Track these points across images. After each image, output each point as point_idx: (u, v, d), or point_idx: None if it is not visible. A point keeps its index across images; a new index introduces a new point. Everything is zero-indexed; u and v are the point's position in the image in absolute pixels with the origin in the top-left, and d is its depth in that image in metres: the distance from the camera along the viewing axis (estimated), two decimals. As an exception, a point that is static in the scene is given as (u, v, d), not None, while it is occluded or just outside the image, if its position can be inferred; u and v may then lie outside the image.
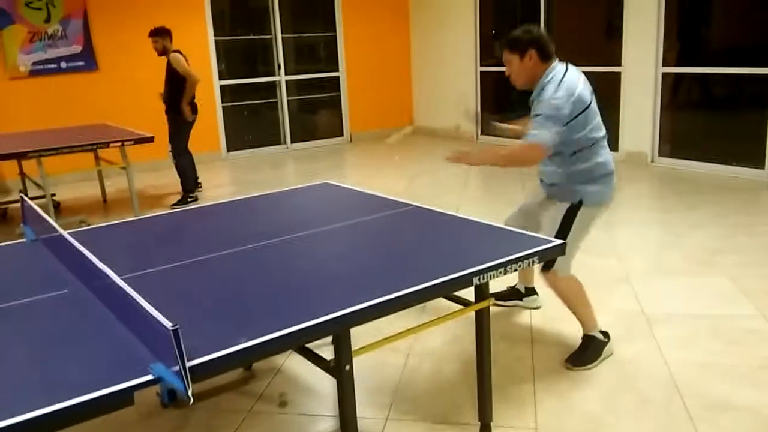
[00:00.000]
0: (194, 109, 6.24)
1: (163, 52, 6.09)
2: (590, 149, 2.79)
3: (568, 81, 2.70)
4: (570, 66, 2.80)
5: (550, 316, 3.39)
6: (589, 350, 2.92)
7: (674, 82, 6.87)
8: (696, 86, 6.98)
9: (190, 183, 6.32)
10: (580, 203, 2.83)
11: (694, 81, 6.89)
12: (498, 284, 3.39)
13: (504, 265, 2.08)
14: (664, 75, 6.77)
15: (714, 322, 3.24)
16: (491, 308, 2.33)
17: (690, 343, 3.05)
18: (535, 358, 2.98)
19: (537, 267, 2.64)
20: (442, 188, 6.42)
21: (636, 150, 7.04)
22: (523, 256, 2.14)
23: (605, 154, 2.86)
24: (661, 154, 6.95)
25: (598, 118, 2.82)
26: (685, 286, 3.72)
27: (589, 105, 2.74)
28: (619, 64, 7.04)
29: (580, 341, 2.97)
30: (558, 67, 2.78)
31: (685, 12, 6.73)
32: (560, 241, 2.29)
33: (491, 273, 2.05)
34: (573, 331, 3.04)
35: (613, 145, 7.18)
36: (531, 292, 3.51)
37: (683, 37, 6.80)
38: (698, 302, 3.50)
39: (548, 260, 2.77)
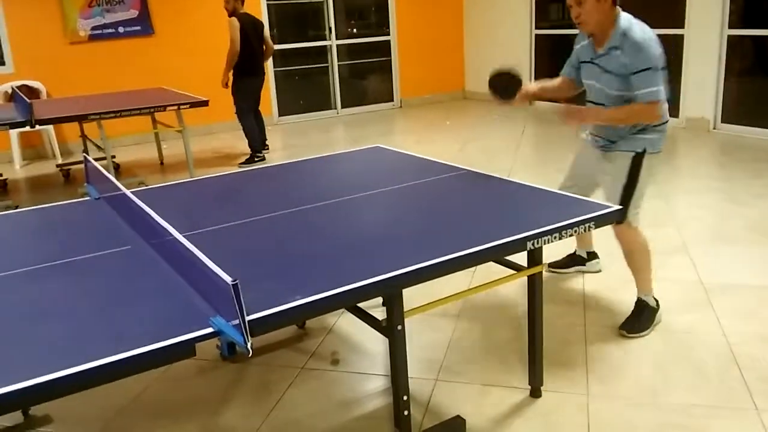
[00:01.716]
0: (258, 72, 6.37)
1: (232, 12, 6.23)
2: None
3: (646, 29, 2.63)
4: (627, 15, 2.70)
5: (603, 282, 3.34)
6: (643, 317, 2.88)
7: (738, 45, 6.55)
8: (761, 50, 6.65)
9: (255, 143, 6.47)
10: (644, 151, 2.76)
11: (759, 44, 6.56)
12: (553, 249, 3.36)
13: (559, 230, 2.05)
14: (730, 37, 6.46)
15: (776, 294, 3.14)
16: (545, 272, 2.31)
17: (750, 315, 2.97)
18: (587, 324, 2.95)
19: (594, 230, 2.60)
20: (494, 154, 6.34)
21: (698, 116, 6.79)
22: (579, 221, 2.10)
23: (666, 103, 2.76)
24: (723, 120, 6.68)
25: None
26: (746, 257, 3.60)
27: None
28: (682, 26, 6.75)
29: (634, 306, 2.92)
30: (624, 14, 2.67)
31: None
32: (617, 207, 2.24)
33: (546, 238, 2.03)
34: (626, 299, 2.99)
35: (674, 111, 6.94)
36: (593, 256, 3.48)
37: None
38: (759, 273, 3.38)
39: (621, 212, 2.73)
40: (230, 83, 6.36)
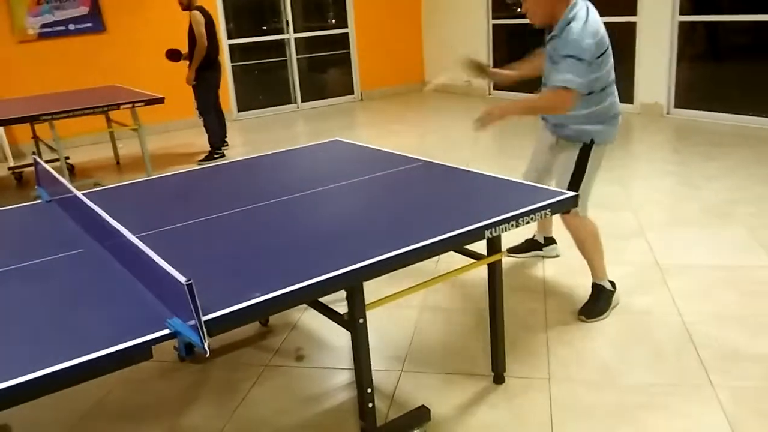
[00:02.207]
0: (216, 68, 6.29)
1: (187, 6, 6.11)
2: (604, 91, 2.75)
3: (591, 20, 2.61)
4: (589, 4, 2.70)
5: (562, 268, 3.40)
6: (601, 301, 2.93)
7: (689, 31, 6.70)
8: (711, 35, 6.81)
9: (216, 140, 6.39)
10: (591, 143, 2.81)
11: (710, 29, 6.72)
12: (512, 236, 3.40)
13: (516, 217, 2.08)
14: (681, 24, 6.60)
15: (730, 273, 3.23)
16: (506, 260, 2.34)
17: (705, 295, 3.05)
18: (547, 310, 3.00)
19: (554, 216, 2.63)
20: (453, 145, 6.38)
21: (651, 102, 6.93)
22: (535, 209, 2.13)
23: (615, 96, 2.83)
24: (676, 105, 6.83)
25: (612, 60, 2.76)
26: (700, 238, 3.70)
27: (608, 46, 2.68)
28: (635, 14, 6.87)
29: (591, 292, 2.98)
30: (579, 3, 2.65)
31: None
32: (572, 193, 2.27)
33: (503, 226, 2.05)
34: (585, 283, 3.04)
35: (628, 97, 7.07)
36: (550, 241, 3.54)
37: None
38: (714, 254, 3.48)
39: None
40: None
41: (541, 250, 3.53)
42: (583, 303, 2.96)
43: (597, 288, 2.96)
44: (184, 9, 6.12)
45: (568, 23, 2.61)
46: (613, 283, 2.98)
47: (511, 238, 3.40)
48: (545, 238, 3.53)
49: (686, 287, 3.12)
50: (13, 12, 6.94)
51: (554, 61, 2.66)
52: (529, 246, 3.56)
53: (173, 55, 6.37)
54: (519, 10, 2.78)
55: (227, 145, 6.76)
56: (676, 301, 3.00)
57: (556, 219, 2.85)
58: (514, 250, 3.55)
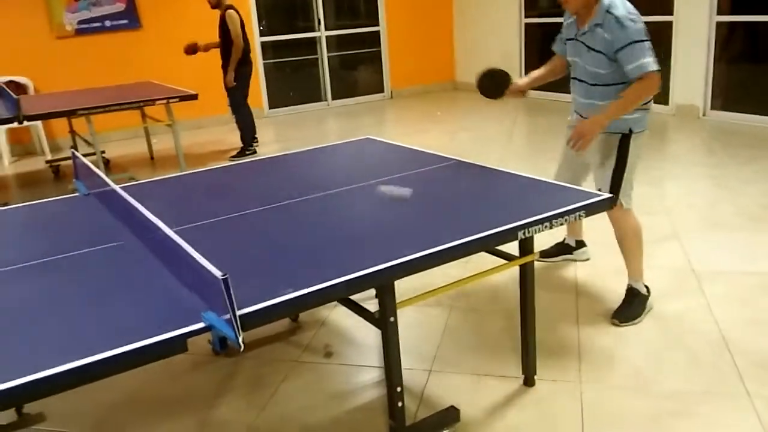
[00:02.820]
0: (249, 63, 6.36)
1: (216, 5, 6.15)
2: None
3: (629, 5, 2.65)
4: None
5: (594, 270, 3.36)
6: (635, 305, 2.89)
7: (727, 32, 6.57)
8: (749, 35, 6.66)
9: (248, 136, 6.45)
10: (630, 132, 2.77)
11: (748, 30, 6.57)
12: (544, 238, 3.37)
13: (549, 219, 2.06)
14: (718, 24, 6.47)
15: (766, 279, 3.16)
16: (537, 262, 2.32)
17: (741, 301, 2.99)
18: (579, 313, 2.96)
19: (584, 219, 2.61)
20: (485, 144, 6.34)
21: (687, 103, 6.80)
22: (569, 210, 2.11)
23: None
24: (713, 107, 6.70)
25: None
26: (737, 243, 3.62)
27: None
28: (671, 13, 6.75)
29: (625, 295, 2.93)
30: None
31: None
32: (607, 195, 2.25)
33: (536, 227, 2.03)
34: (617, 287, 3.00)
35: (663, 98, 6.95)
36: (581, 244, 3.49)
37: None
38: (750, 259, 3.40)
39: (613, 193, 2.74)
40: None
41: (572, 254, 3.49)
42: (615, 306, 2.92)
43: (632, 291, 2.92)
44: (213, 7, 6.19)
45: (607, 10, 2.61)
46: (647, 288, 2.94)
47: (542, 240, 3.36)
48: (576, 242, 3.49)
49: (722, 293, 3.06)
50: (51, 8, 7.09)
51: (600, 50, 2.65)
52: (560, 250, 3.52)
53: (189, 49, 6.46)
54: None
55: (257, 142, 6.81)
56: (712, 306, 2.95)
57: (587, 221, 2.81)
58: (544, 254, 3.50)
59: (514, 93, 3.00)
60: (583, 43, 2.75)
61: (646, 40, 2.60)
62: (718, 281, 3.18)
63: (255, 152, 6.47)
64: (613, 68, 2.67)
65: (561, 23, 2.97)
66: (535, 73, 3.10)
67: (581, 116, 2.92)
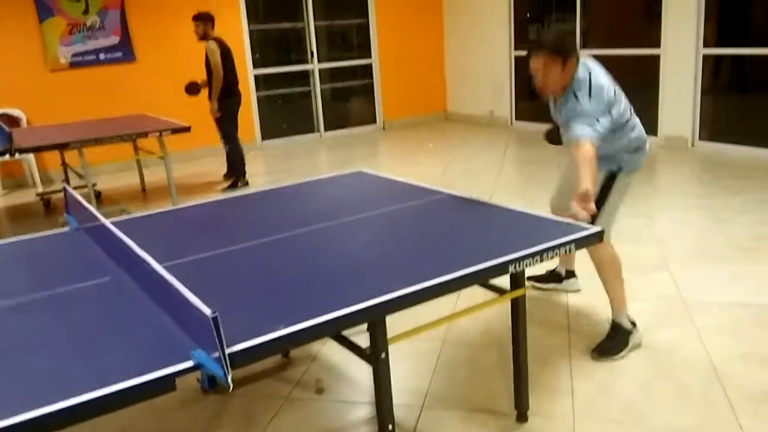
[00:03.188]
0: (236, 95, 6.36)
1: (203, 37, 6.21)
2: (623, 129, 2.79)
3: (601, 77, 2.66)
4: (583, 60, 2.73)
5: (587, 303, 3.35)
6: (616, 339, 2.88)
7: (714, 64, 6.68)
8: (737, 68, 6.78)
9: (240, 168, 6.44)
10: (618, 169, 2.84)
11: (735, 62, 6.69)
12: (537, 269, 3.37)
13: (540, 252, 2.06)
14: (705, 57, 6.59)
15: (758, 311, 3.17)
16: (528, 291, 2.31)
17: (732, 332, 2.99)
18: (571, 346, 2.95)
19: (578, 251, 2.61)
20: (477, 175, 6.38)
21: (676, 134, 6.88)
22: (559, 244, 2.12)
23: (637, 128, 2.86)
24: (701, 138, 6.78)
25: (624, 99, 2.79)
26: (727, 273, 3.64)
27: (614, 92, 2.69)
28: (658, 46, 6.87)
29: (609, 329, 2.93)
30: (583, 63, 2.71)
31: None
32: (598, 228, 2.26)
33: (527, 261, 2.03)
34: (608, 316, 2.99)
35: (652, 129, 7.03)
36: (570, 275, 3.50)
37: (724, 17, 6.60)
38: (741, 290, 3.41)
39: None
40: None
41: (561, 283, 3.50)
42: (602, 334, 2.92)
43: (614, 326, 2.92)
44: (200, 39, 6.22)
45: (578, 80, 2.65)
46: (633, 322, 2.93)
47: (536, 268, 3.37)
48: (567, 272, 3.50)
49: (712, 324, 3.06)
50: (46, 41, 7.14)
51: (569, 117, 2.66)
52: (550, 277, 3.53)
53: (191, 88, 6.48)
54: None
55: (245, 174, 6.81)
56: (703, 338, 2.94)
57: (580, 253, 2.83)
58: (534, 278, 3.53)
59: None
60: (560, 112, 2.81)
61: (600, 114, 2.57)
62: (708, 312, 3.18)
63: (248, 183, 6.47)
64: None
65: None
66: None
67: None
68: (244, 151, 6.55)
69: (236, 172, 6.50)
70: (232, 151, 6.46)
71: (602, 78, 2.69)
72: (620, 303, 2.92)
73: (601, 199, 2.83)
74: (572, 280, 3.50)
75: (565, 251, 2.14)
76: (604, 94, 2.63)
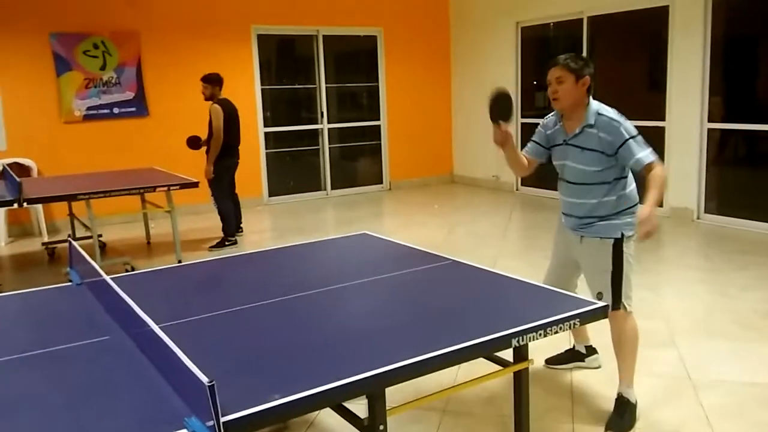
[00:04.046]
0: (233, 156, 6.41)
1: (209, 98, 6.29)
2: (627, 177, 2.87)
3: (614, 111, 2.83)
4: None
5: (591, 375, 3.29)
6: (626, 414, 2.82)
7: (720, 138, 6.76)
8: (742, 142, 6.85)
9: (230, 227, 6.42)
10: (623, 236, 2.83)
11: (741, 137, 6.76)
12: (549, 342, 3.32)
13: (544, 327, 2.04)
14: (710, 131, 6.67)
15: (765, 391, 3.10)
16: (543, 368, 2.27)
17: (739, 413, 2.91)
18: (575, 421, 2.88)
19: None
20: (481, 239, 6.37)
21: (681, 206, 6.90)
22: (564, 318, 2.09)
23: (634, 183, 2.93)
24: (707, 210, 6.79)
25: None
26: (734, 352, 3.57)
27: None
28: (663, 119, 6.97)
29: (615, 404, 2.88)
30: (593, 101, 2.87)
31: (732, 67, 6.65)
32: (602, 303, 2.23)
33: (531, 335, 2.01)
34: (611, 393, 2.93)
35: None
36: (591, 351, 3.39)
37: (729, 93, 6.72)
38: (748, 369, 3.35)
39: (615, 297, 2.82)
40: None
41: (583, 361, 3.38)
42: (610, 413, 2.85)
43: (623, 400, 2.86)
44: (206, 99, 6.30)
45: (598, 113, 2.80)
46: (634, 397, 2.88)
47: (548, 344, 3.32)
48: (586, 348, 3.39)
49: (719, 404, 2.99)
50: (62, 94, 7.30)
51: (597, 149, 2.78)
52: (570, 356, 3.40)
53: (193, 143, 6.56)
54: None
55: (242, 231, 6.81)
56: (710, 418, 2.87)
57: (593, 326, 2.79)
58: (553, 361, 3.40)
59: (507, 136, 2.93)
60: (574, 145, 2.85)
61: (639, 136, 2.76)
62: (715, 391, 3.11)
63: (235, 243, 6.40)
64: (607, 166, 2.78)
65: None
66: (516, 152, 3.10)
67: (570, 216, 2.97)
68: (232, 211, 6.48)
69: (224, 231, 6.41)
70: (223, 211, 6.39)
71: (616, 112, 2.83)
72: (630, 379, 2.88)
73: (618, 271, 2.82)
74: (594, 356, 3.38)
75: (570, 326, 2.11)
76: (628, 121, 2.79)
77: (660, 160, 2.76)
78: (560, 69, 2.82)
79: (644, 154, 2.72)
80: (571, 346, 3.43)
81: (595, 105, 2.83)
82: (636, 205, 2.86)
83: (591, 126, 2.78)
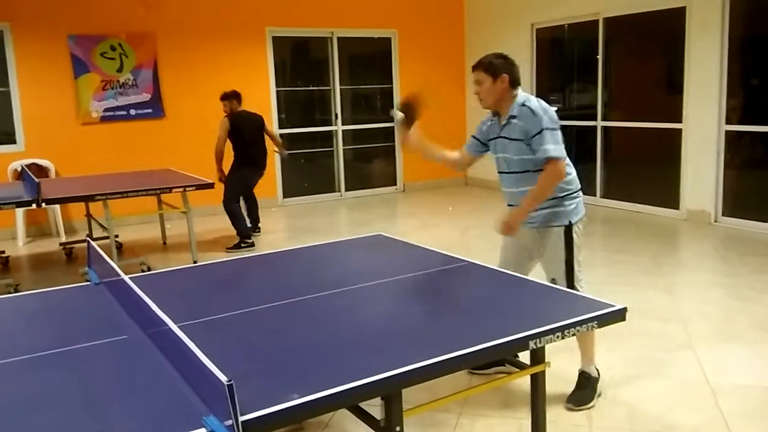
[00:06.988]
0: (251, 164, 6.51)
1: (230, 113, 6.41)
2: (566, 162, 2.94)
3: (542, 102, 2.91)
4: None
5: (608, 380, 3.26)
6: (588, 389, 3.00)
7: (738, 139, 6.69)
8: (761, 144, 6.77)
9: (242, 227, 6.46)
10: (570, 223, 2.94)
11: (759, 138, 6.69)
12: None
13: (561, 329, 2.02)
14: (727, 132, 6.60)
15: (785, 396, 3.06)
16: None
17: (760, 418, 2.88)
18: (593, 424, 2.86)
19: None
20: (495, 241, 6.31)
21: (698, 209, 6.84)
22: (581, 321, 2.08)
23: (572, 171, 3.00)
24: (724, 213, 6.72)
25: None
26: (752, 355, 3.53)
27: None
28: (680, 121, 6.91)
29: (578, 379, 3.03)
30: (522, 93, 2.97)
31: (750, 68, 6.58)
32: (621, 306, 2.21)
33: (548, 337, 2.00)
34: (631, 396, 2.91)
35: (674, 203, 7.01)
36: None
37: (747, 94, 6.65)
38: (766, 373, 3.31)
39: (569, 283, 2.90)
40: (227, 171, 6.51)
41: (504, 365, 3.08)
42: (627, 415, 2.82)
43: (585, 375, 3.02)
44: (227, 116, 6.43)
45: (522, 104, 2.89)
46: (597, 370, 3.06)
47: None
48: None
49: (739, 409, 2.96)
50: (79, 96, 7.37)
51: (517, 138, 2.89)
52: (492, 362, 3.17)
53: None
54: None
55: (259, 231, 6.86)
56: (729, 423, 2.84)
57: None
58: (477, 368, 3.23)
59: (414, 138, 3.22)
60: (504, 137, 2.98)
61: (555, 129, 2.85)
62: (734, 396, 3.08)
63: (253, 245, 6.43)
64: (532, 154, 2.89)
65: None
66: (439, 149, 3.37)
67: (514, 206, 3.05)
68: (239, 210, 6.50)
69: (238, 233, 6.44)
70: (231, 213, 6.42)
71: (544, 103, 2.92)
72: (591, 356, 3.04)
73: (570, 257, 2.92)
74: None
75: (588, 328, 2.10)
76: (550, 112, 2.88)
77: (568, 161, 2.88)
78: (478, 72, 2.98)
79: (552, 147, 2.81)
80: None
81: (521, 97, 2.93)
82: (579, 190, 3.00)
83: (514, 117, 2.92)
